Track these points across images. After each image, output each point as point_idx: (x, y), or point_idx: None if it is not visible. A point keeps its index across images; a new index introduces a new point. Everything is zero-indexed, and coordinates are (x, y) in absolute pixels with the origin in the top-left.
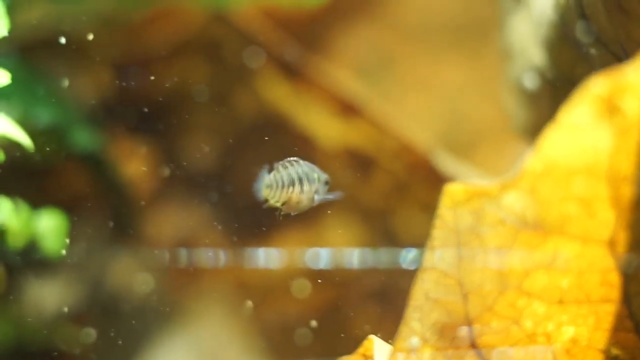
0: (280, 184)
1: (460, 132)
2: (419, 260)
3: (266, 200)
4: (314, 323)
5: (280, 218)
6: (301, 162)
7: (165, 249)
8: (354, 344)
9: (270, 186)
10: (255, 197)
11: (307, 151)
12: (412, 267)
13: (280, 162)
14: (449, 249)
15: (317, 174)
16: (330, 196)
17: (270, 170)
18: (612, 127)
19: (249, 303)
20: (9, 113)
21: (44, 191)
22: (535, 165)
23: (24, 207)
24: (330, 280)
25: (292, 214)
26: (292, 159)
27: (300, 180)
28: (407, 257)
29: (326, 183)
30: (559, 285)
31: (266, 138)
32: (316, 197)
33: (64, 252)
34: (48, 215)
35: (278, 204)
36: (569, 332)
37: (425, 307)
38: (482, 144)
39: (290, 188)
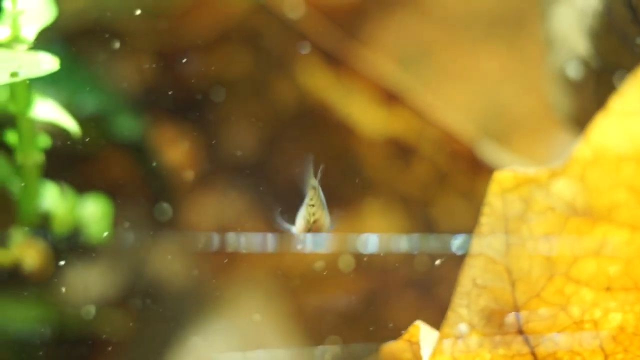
0: (321, 199)
1: (499, 121)
2: (465, 247)
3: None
4: (352, 310)
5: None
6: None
7: (206, 235)
8: (393, 331)
9: (315, 188)
10: (298, 186)
11: (349, 140)
12: (458, 254)
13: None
14: (497, 236)
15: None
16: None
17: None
18: None
19: (288, 289)
20: (54, 100)
21: (88, 177)
22: (584, 152)
23: (69, 193)
24: (369, 268)
25: (311, 233)
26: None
27: (325, 206)
28: (454, 244)
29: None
30: (606, 272)
31: (307, 127)
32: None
33: (107, 237)
34: (93, 201)
35: (312, 218)
36: (616, 319)
37: (473, 293)
38: (521, 133)
39: (324, 210)
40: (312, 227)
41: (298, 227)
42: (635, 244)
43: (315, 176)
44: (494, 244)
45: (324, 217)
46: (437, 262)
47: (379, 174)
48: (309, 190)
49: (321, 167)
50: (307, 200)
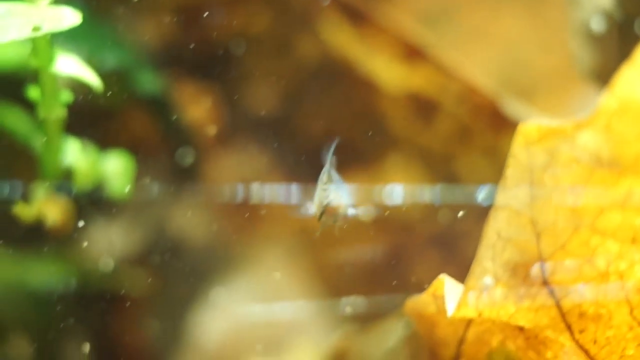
0: (335, 181)
1: (522, 77)
2: (489, 199)
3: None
4: (375, 264)
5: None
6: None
7: (227, 191)
8: (416, 285)
9: (329, 171)
10: (319, 142)
11: (371, 96)
12: (484, 205)
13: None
14: (522, 188)
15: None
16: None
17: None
18: None
19: (310, 244)
20: (76, 55)
21: (110, 133)
22: (610, 103)
23: (91, 148)
24: (392, 222)
25: (327, 220)
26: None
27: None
28: (478, 196)
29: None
30: (632, 223)
31: (329, 83)
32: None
33: (129, 193)
34: (115, 157)
35: (326, 200)
36: None
37: (498, 245)
38: (544, 89)
39: (341, 192)
40: (327, 210)
41: (315, 209)
42: None
43: (332, 158)
44: (519, 196)
45: (340, 200)
46: (460, 213)
47: (401, 129)
48: (323, 173)
49: (336, 141)
50: (320, 184)
